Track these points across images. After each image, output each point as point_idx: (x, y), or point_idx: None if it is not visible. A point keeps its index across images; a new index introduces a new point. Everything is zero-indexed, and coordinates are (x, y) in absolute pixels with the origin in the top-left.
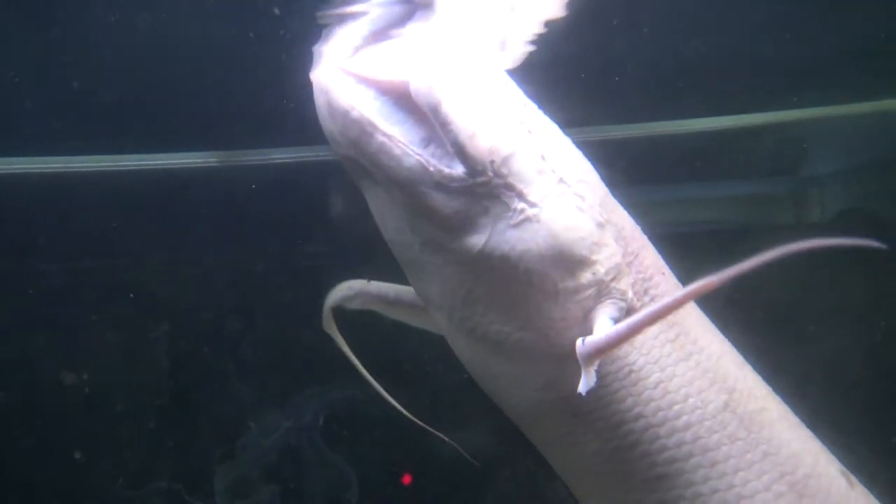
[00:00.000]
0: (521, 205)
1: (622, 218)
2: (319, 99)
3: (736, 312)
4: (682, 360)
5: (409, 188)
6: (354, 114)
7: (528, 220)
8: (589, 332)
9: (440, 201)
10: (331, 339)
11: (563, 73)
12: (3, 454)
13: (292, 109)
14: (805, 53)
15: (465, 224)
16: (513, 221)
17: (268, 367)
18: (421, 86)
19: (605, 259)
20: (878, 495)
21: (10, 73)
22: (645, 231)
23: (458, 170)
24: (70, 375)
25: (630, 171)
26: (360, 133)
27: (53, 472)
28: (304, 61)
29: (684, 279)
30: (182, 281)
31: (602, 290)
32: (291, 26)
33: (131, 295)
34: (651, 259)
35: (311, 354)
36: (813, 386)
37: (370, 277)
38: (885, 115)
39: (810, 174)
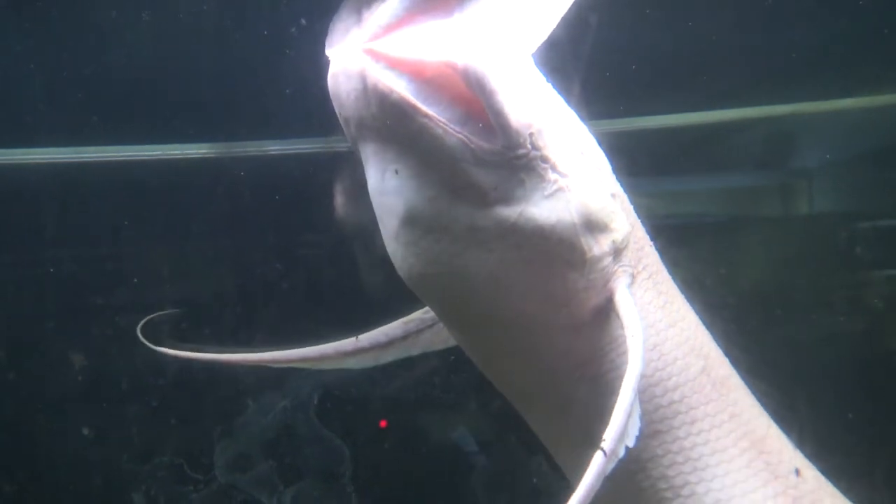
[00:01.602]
0: (554, 175)
1: (620, 190)
2: (348, 83)
3: (708, 297)
4: (671, 326)
5: (451, 166)
6: (394, 96)
7: (560, 189)
8: (607, 301)
9: (481, 176)
10: (326, 323)
11: (551, 68)
12: (17, 430)
13: (291, 101)
14: (794, 47)
15: (502, 197)
16: (547, 192)
17: (266, 348)
18: (470, 62)
19: (621, 227)
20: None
21: (24, 65)
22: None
23: (498, 143)
24: (79, 356)
25: (616, 163)
26: (399, 115)
27: (64, 448)
28: (303, 55)
29: (671, 270)
30: (184, 267)
31: (617, 258)
32: (297, 22)
33: (135, 280)
34: (642, 232)
35: (307, 337)
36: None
37: (364, 279)
38: (876, 110)
39: (799, 166)
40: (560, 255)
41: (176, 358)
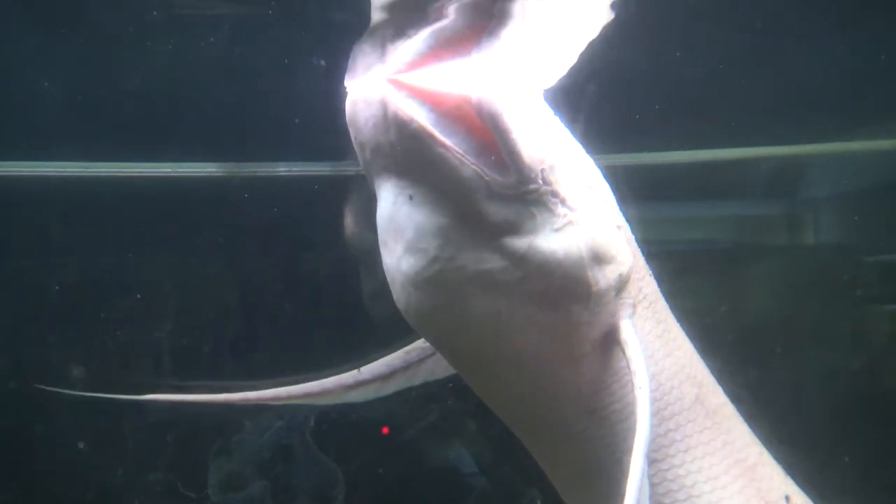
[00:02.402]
0: (563, 210)
1: (624, 222)
2: (367, 109)
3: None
4: (668, 356)
5: (465, 196)
6: (414, 125)
7: (569, 223)
8: (609, 333)
9: (492, 208)
10: (326, 344)
11: (562, 103)
12: (13, 440)
13: (300, 124)
14: (802, 88)
15: (512, 229)
16: (556, 225)
17: (264, 368)
18: (484, 97)
19: (626, 260)
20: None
21: (37, 81)
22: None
23: (511, 178)
24: (78, 368)
25: (624, 189)
26: (417, 145)
27: (58, 460)
28: (315, 79)
29: (678, 295)
30: (186, 283)
31: (621, 291)
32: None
33: (138, 295)
34: (642, 261)
35: (306, 358)
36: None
37: (370, 297)
38: (887, 152)
39: (806, 197)
40: (566, 287)
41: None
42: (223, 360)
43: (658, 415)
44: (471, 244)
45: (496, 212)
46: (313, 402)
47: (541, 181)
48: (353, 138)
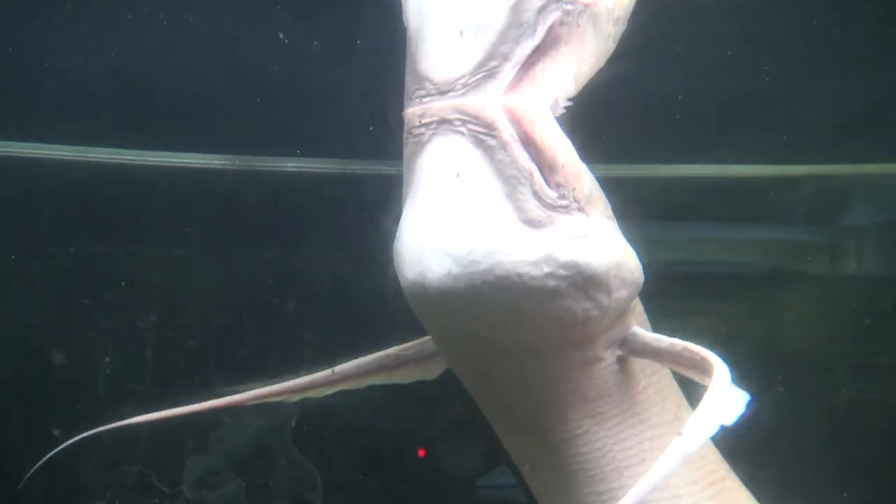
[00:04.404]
0: (589, 222)
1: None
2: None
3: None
4: (654, 374)
5: (515, 184)
6: (491, 112)
7: (595, 232)
8: (622, 341)
9: (532, 204)
10: (313, 343)
11: (602, 112)
12: None
13: (312, 120)
14: (852, 106)
15: (545, 229)
16: (585, 234)
17: (248, 365)
18: (526, 117)
19: (641, 274)
20: None
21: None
22: (674, 267)
23: (551, 192)
24: (59, 355)
25: (660, 208)
26: (492, 128)
27: (32, 446)
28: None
29: (708, 316)
30: (175, 276)
31: (632, 302)
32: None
33: (123, 283)
34: None
35: (292, 356)
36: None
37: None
38: None
39: (849, 224)
40: (588, 291)
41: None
42: (206, 353)
43: (646, 422)
44: (506, 228)
45: (534, 209)
46: (289, 399)
47: (572, 198)
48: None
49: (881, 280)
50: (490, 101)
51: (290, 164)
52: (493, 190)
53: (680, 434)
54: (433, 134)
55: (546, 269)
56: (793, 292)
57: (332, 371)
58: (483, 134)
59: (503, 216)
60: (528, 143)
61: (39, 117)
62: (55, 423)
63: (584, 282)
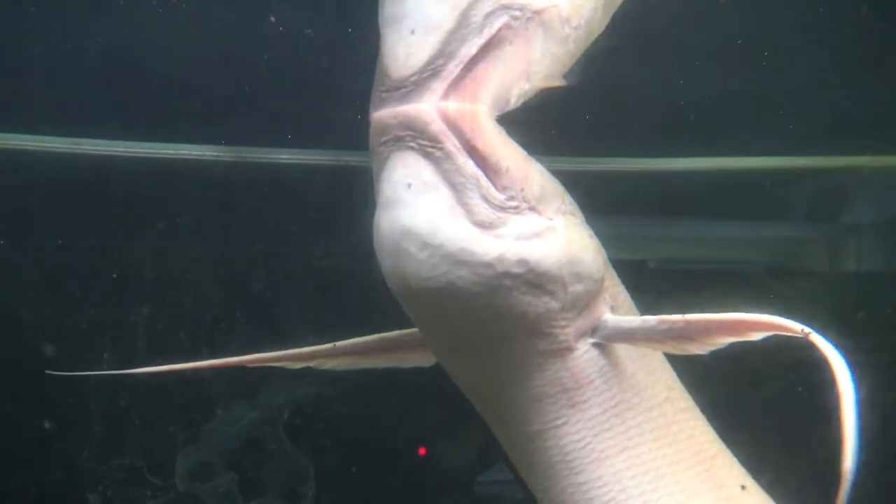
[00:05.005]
0: (542, 220)
1: (592, 232)
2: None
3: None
4: (642, 357)
5: (462, 190)
6: (434, 126)
7: (548, 229)
8: (593, 331)
9: (482, 208)
10: (307, 337)
11: (613, 102)
12: None
13: (315, 112)
14: (853, 100)
15: (497, 231)
16: (536, 230)
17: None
18: (466, 122)
19: (602, 265)
20: None
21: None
22: (673, 265)
23: (499, 195)
24: (50, 347)
25: (662, 204)
26: (435, 139)
27: (23, 438)
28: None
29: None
30: (168, 268)
31: (598, 293)
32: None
33: (114, 275)
34: (612, 270)
35: (285, 348)
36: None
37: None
38: None
39: (849, 222)
40: (545, 286)
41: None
42: (198, 346)
43: (634, 408)
44: (459, 235)
45: (485, 212)
46: (287, 366)
47: (521, 199)
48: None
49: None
50: (433, 116)
51: (284, 156)
52: (444, 197)
53: None
54: (391, 151)
55: (499, 269)
56: (793, 290)
57: (334, 345)
58: (430, 147)
59: (456, 221)
60: (472, 152)
61: (30, 108)
62: (47, 416)
63: (536, 278)
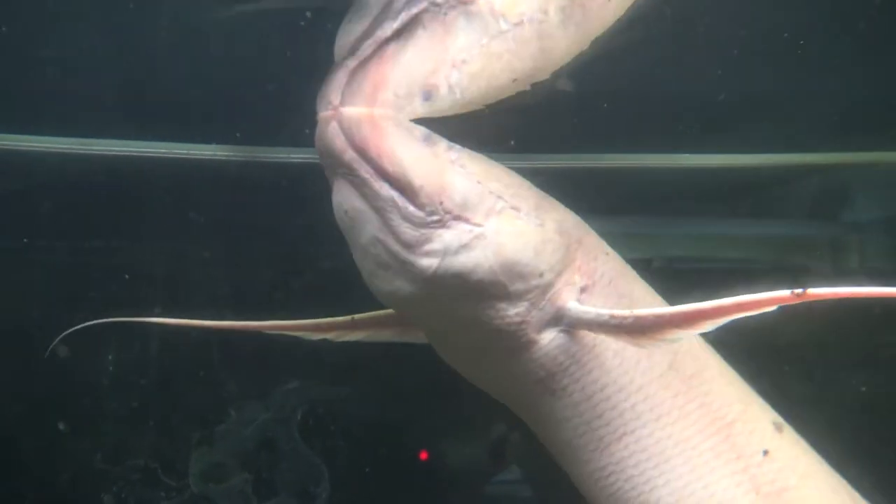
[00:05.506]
0: (468, 227)
1: (561, 214)
2: (323, 131)
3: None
4: None
5: (383, 216)
6: (347, 155)
7: (476, 238)
8: (555, 320)
9: (406, 229)
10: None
11: (606, 102)
12: None
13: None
14: (856, 95)
15: (425, 249)
16: (463, 242)
17: (254, 358)
18: (370, 145)
19: (549, 255)
20: None
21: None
22: (673, 264)
23: (419, 213)
24: (63, 348)
25: (661, 202)
26: (351, 169)
27: (37, 440)
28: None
29: None
30: (179, 268)
31: (552, 282)
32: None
33: (127, 276)
34: (593, 242)
35: (298, 350)
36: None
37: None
38: None
39: (851, 220)
40: (485, 291)
41: (163, 325)
42: (210, 347)
43: (623, 390)
44: (395, 257)
45: (409, 233)
46: (308, 337)
47: (442, 211)
48: None
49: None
50: (345, 146)
51: (296, 155)
52: (374, 221)
53: None
54: (331, 177)
55: (437, 283)
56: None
57: (353, 318)
58: (349, 175)
59: (388, 243)
60: (384, 176)
61: (39, 110)
62: (60, 418)
63: (474, 286)
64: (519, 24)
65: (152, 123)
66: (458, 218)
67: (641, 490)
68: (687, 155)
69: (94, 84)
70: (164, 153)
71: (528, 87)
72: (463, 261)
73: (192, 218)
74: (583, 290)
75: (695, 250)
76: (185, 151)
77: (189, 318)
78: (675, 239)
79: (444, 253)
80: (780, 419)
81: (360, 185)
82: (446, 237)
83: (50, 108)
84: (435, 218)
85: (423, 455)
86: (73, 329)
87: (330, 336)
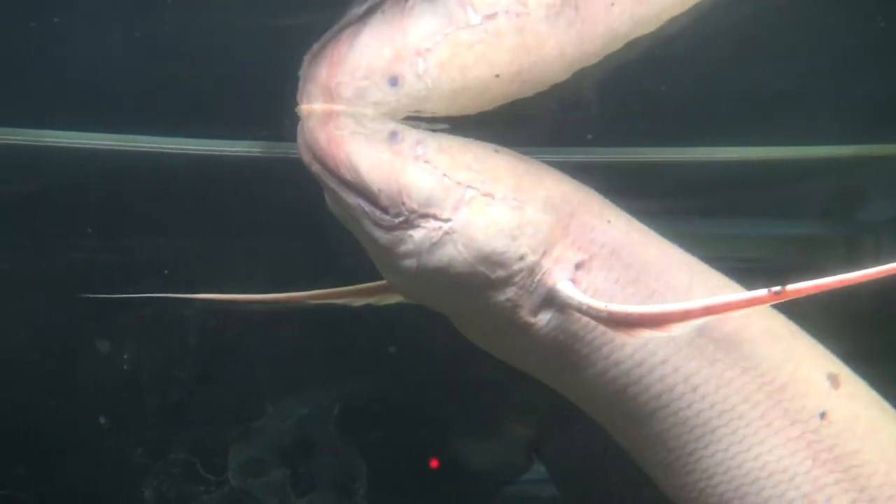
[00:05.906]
0: (437, 224)
1: (550, 188)
2: (300, 139)
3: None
4: (647, 298)
5: (358, 222)
6: (314, 168)
7: (446, 233)
8: (547, 301)
9: (380, 233)
10: (356, 334)
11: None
12: (33, 412)
13: None
14: (875, 92)
15: (400, 250)
16: (434, 240)
17: (291, 354)
18: (325, 152)
19: (529, 237)
20: None
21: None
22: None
23: (385, 217)
24: (104, 343)
25: (677, 200)
26: (320, 175)
27: (78, 434)
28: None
29: None
30: (216, 264)
31: (538, 261)
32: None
33: (166, 272)
34: (590, 213)
35: (335, 346)
36: None
37: None
38: None
39: (866, 219)
40: (469, 282)
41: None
42: (248, 342)
43: (645, 364)
44: (381, 258)
45: (383, 237)
46: (348, 303)
47: (405, 212)
48: None
49: None
50: (310, 157)
51: None
52: (356, 228)
53: None
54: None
55: (424, 279)
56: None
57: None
58: (325, 185)
59: (372, 248)
60: (346, 184)
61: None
62: (101, 412)
63: (455, 279)
64: (492, 15)
65: (186, 121)
66: (424, 216)
67: (686, 461)
68: (694, 148)
69: (131, 81)
70: (197, 149)
71: (538, 89)
72: (438, 258)
73: (230, 213)
74: (578, 266)
75: (705, 250)
76: (223, 148)
77: (227, 313)
78: (683, 238)
79: (419, 253)
80: (837, 367)
81: (335, 194)
82: (416, 237)
83: (84, 104)
84: (401, 219)
85: (433, 457)
86: (128, 296)
87: (371, 300)
